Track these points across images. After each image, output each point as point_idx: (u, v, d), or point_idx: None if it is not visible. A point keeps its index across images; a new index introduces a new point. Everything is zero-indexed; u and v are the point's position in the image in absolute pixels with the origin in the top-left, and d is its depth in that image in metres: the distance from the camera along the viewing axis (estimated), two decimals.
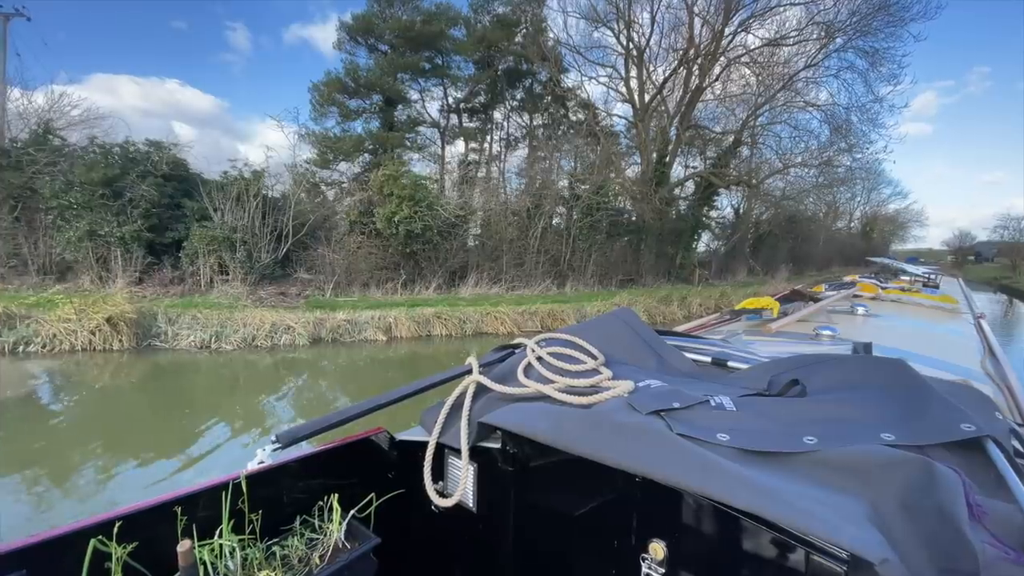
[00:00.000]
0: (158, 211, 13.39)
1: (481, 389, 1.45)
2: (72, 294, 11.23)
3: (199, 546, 1.05)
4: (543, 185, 18.25)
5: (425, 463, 1.35)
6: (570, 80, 22.83)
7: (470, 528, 1.43)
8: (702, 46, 19.88)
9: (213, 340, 9.99)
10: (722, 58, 20.30)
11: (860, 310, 3.78)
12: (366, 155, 19.18)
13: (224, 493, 1.13)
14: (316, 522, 1.30)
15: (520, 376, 1.43)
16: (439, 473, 1.44)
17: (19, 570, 0.92)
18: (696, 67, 20.16)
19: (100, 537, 0.97)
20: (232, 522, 1.13)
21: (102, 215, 12.65)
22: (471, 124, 24.01)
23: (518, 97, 24.26)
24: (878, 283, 5.96)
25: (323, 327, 10.84)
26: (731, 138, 22.59)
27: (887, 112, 21.46)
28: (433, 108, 22.93)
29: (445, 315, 11.87)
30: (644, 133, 20.39)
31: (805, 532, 0.77)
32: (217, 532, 1.11)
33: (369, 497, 1.35)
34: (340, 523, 1.26)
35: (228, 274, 13.48)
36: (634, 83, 21.09)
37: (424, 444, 1.39)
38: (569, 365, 1.46)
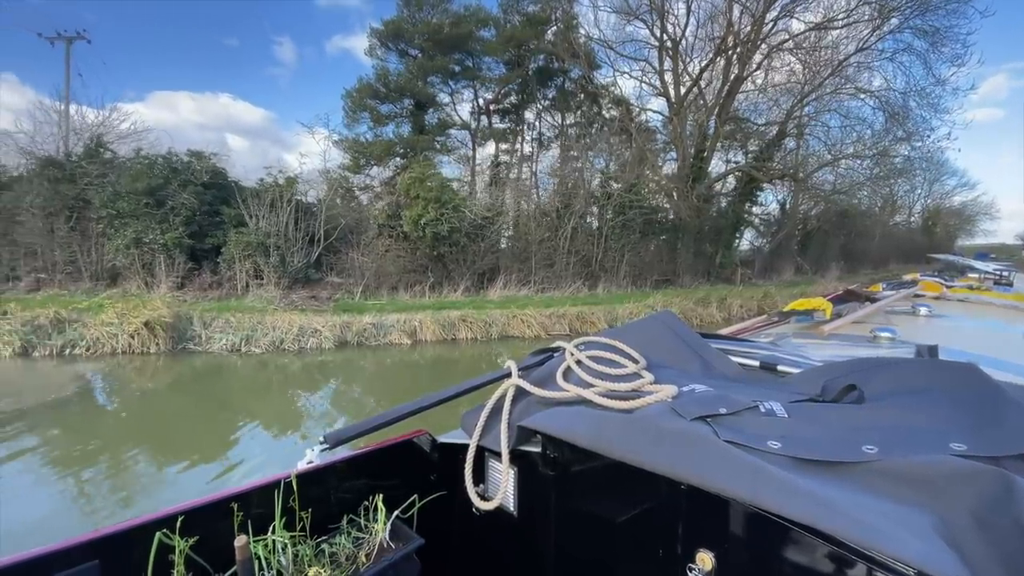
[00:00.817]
0: (198, 218, 13.95)
1: (520, 392, 1.45)
2: (119, 299, 11.82)
3: (253, 542, 1.09)
4: (574, 185, 17.88)
5: (466, 466, 1.36)
6: (602, 77, 22.34)
7: (511, 532, 1.44)
8: (741, 34, 18.94)
9: (243, 343, 10.23)
10: (763, 45, 19.27)
11: (923, 310, 3.52)
12: (397, 159, 19.38)
13: (276, 491, 1.18)
14: (362, 521, 1.34)
15: (559, 380, 1.42)
16: (480, 476, 1.46)
17: (91, 561, 0.99)
18: (735, 56, 19.23)
19: (164, 531, 1.03)
20: (284, 519, 1.18)
21: (147, 223, 13.29)
22: (502, 125, 23.88)
23: (549, 96, 23.91)
24: (942, 281, 5.52)
25: (349, 330, 10.92)
26: (775, 130, 21.40)
27: (950, 96, 19.64)
28: (464, 110, 22.97)
29: (471, 318, 11.73)
30: (680, 128, 19.62)
31: (867, 546, 0.72)
32: (270, 529, 1.17)
33: (412, 498, 1.38)
34: (385, 523, 1.30)
35: (263, 278, 13.88)
36: (669, 76, 20.35)
37: (465, 447, 1.41)
38: (609, 369, 1.43)
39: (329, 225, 15.02)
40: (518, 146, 24.16)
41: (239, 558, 1.05)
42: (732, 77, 19.46)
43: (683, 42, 19.77)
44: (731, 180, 22.99)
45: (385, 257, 14.11)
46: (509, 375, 1.53)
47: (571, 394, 1.33)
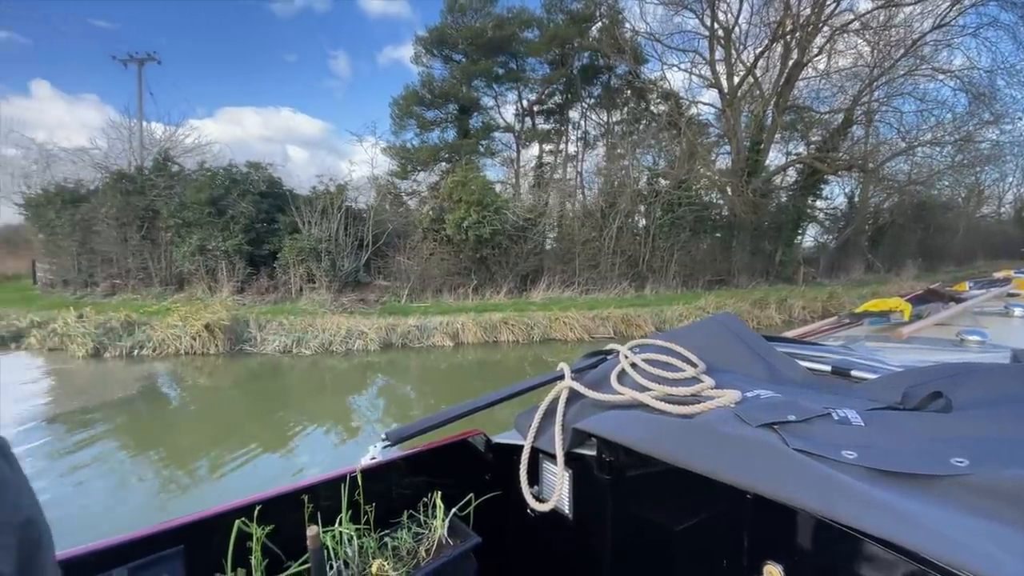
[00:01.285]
0: (256, 226, 14.69)
1: (574, 395, 1.44)
2: (184, 302, 12.61)
3: (322, 532, 1.14)
4: (620, 183, 17.41)
5: (521, 467, 1.35)
6: (649, 71, 21.66)
7: (566, 535, 1.45)
8: (800, 17, 17.77)
9: (295, 345, 10.60)
10: (825, 28, 17.98)
11: (1018, 311, 3.22)
12: (443, 163, 19.63)
13: (342, 485, 1.25)
14: (421, 517, 1.38)
15: (614, 383, 1.39)
16: (534, 477, 1.46)
17: (177, 545, 1.06)
18: (794, 41, 18.07)
19: (243, 519, 1.09)
20: (349, 512, 1.24)
21: (210, 231, 14.13)
22: (546, 126, 23.69)
23: (595, 94, 23.49)
24: None
25: (394, 333, 11.09)
26: (840, 117, 19.88)
27: None
28: (508, 113, 22.98)
29: (512, 320, 11.62)
30: (734, 120, 18.66)
31: (956, 566, 0.69)
32: (337, 521, 1.22)
33: (468, 497, 1.43)
34: (443, 520, 1.34)
35: (315, 282, 14.41)
36: (721, 67, 19.41)
37: (519, 448, 1.41)
38: (666, 373, 1.39)
39: (377, 230, 15.40)
40: (562, 146, 23.92)
41: (311, 547, 1.10)
42: (791, 64, 18.29)
43: (736, 29, 18.83)
44: (791, 173, 21.61)
45: (429, 260, 14.28)
46: (562, 377, 1.51)
47: (626, 397, 1.31)
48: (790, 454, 0.88)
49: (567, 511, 1.42)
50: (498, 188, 18.49)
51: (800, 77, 18.82)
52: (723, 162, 20.77)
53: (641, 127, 22.03)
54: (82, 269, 14.95)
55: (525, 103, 22.69)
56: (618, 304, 14.06)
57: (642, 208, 17.53)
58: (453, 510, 1.37)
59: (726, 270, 19.14)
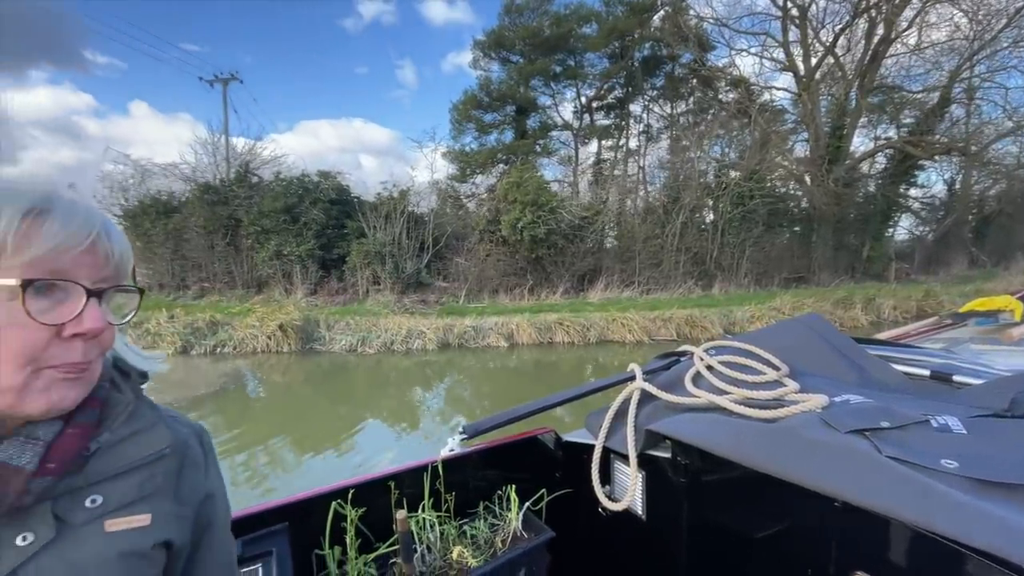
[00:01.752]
0: (327, 231, 15.53)
1: (646, 396, 1.44)
2: (263, 304, 13.54)
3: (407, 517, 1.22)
4: (685, 176, 16.65)
5: (592, 466, 1.37)
6: (716, 58, 20.57)
7: (639, 536, 1.45)
8: None
9: (359, 344, 11.06)
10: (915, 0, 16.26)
11: None
12: (500, 165, 19.74)
13: (425, 474, 1.33)
14: (496, 509, 1.45)
15: (688, 385, 1.39)
16: (606, 477, 1.46)
17: (282, 522, 1.17)
18: (879, 16, 16.46)
19: (338, 501, 1.21)
20: (431, 500, 1.33)
21: (285, 237, 15.09)
22: (605, 121, 23.16)
23: (657, 85, 22.64)
24: None
25: (451, 333, 11.27)
26: (936, 96, 17.84)
27: None
28: (566, 111, 22.71)
29: (568, 321, 11.44)
30: (812, 103, 17.30)
31: None
32: (420, 507, 1.32)
33: (540, 492, 1.48)
34: (518, 513, 1.40)
35: (380, 284, 14.99)
36: (795, 48, 18.06)
37: (590, 447, 1.42)
38: (745, 376, 1.36)
39: (437, 233, 15.77)
40: (623, 141, 23.30)
41: (400, 530, 1.16)
42: (876, 40, 16.67)
43: (812, 7, 17.43)
44: (880, 159, 19.67)
45: (486, 262, 14.40)
46: (633, 378, 1.51)
47: (702, 400, 1.28)
48: (882, 462, 0.85)
49: (640, 512, 1.42)
50: (555, 187, 18.35)
51: (887, 54, 17.11)
52: (801, 150, 19.31)
53: (709, 117, 20.96)
54: (175, 274, 16.47)
55: (583, 100, 22.33)
56: (682, 304, 13.45)
57: (709, 202, 16.67)
58: (527, 504, 1.43)
59: (805, 267, 17.80)
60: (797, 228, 17.94)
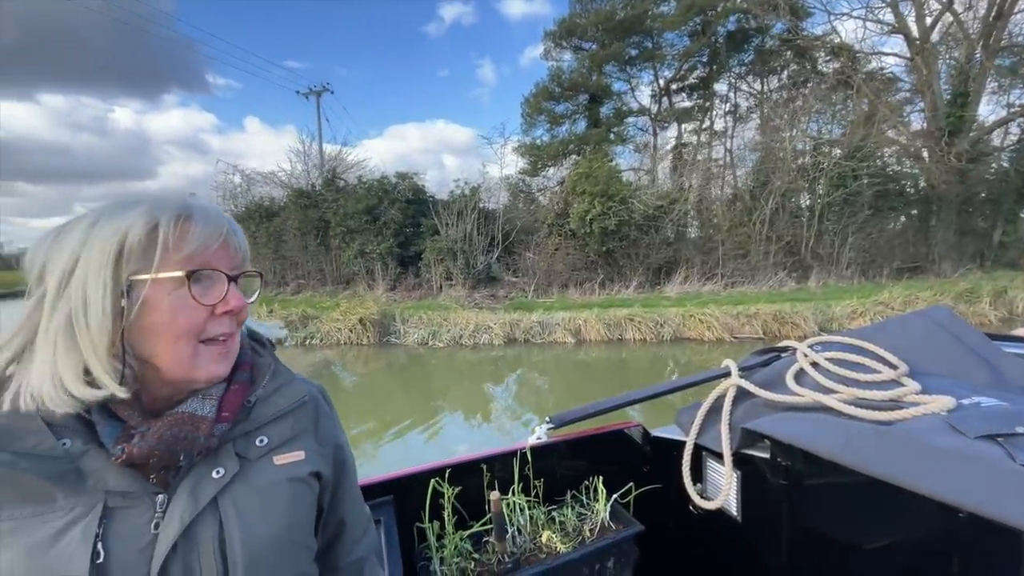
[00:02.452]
0: (405, 230, 16.23)
1: (742, 393, 1.40)
2: (348, 299, 14.48)
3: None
4: (774, 158, 15.24)
5: (683, 463, 1.36)
6: (814, 26, 18.53)
7: (734, 536, 1.42)
8: None
9: (430, 338, 11.44)
10: None
11: None
12: (572, 156, 19.35)
13: (514, 459, 1.38)
14: (584, 498, 1.48)
15: (790, 383, 1.32)
16: (697, 474, 1.44)
17: (387, 495, 1.27)
18: None
19: (437, 479, 1.28)
20: (520, 485, 1.38)
21: (367, 236, 16.00)
22: (687, 103, 21.83)
23: (746, 61, 20.90)
24: None
25: (517, 328, 11.28)
26: None
27: None
28: (644, 95, 21.72)
29: (639, 317, 10.96)
30: (927, 69, 15.04)
31: None
32: (509, 491, 1.37)
33: (628, 486, 1.48)
34: (606, 504, 1.41)
35: (452, 279, 15.41)
36: (907, 7, 15.73)
37: (679, 443, 1.42)
38: (856, 374, 1.27)
39: (507, 228, 15.86)
40: (707, 123, 21.82)
41: (494, 510, 1.24)
42: None
43: None
44: (1014, 130, 16.63)
45: (554, 256, 14.21)
46: (728, 375, 1.47)
47: (806, 399, 1.22)
48: (1017, 471, 0.79)
49: (735, 512, 1.38)
50: (630, 176, 17.65)
51: (1016, 9, 14.37)
52: (917, 123, 16.89)
53: (806, 91, 18.97)
54: (276, 272, 18.11)
55: (661, 82, 21.20)
56: (770, 299, 12.37)
57: (805, 185, 15.12)
58: (614, 496, 1.44)
59: (922, 255, 15.62)
60: (914, 211, 15.76)
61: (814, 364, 1.36)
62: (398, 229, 16.13)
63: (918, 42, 15.33)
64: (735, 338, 10.64)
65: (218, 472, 0.62)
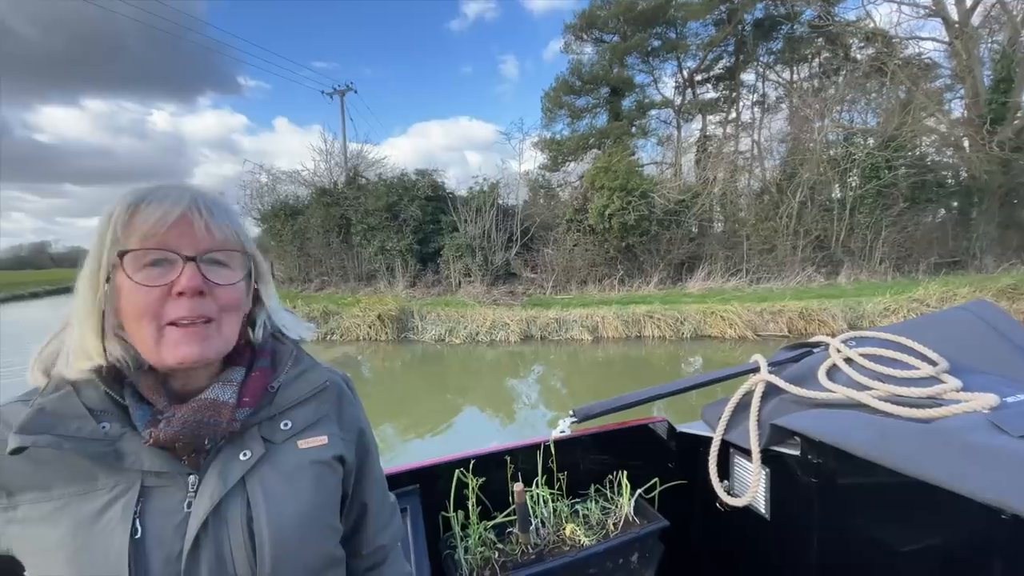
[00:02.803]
0: (424, 227, 16.30)
1: (771, 389, 1.36)
2: (370, 296, 14.64)
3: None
4: (802, 148, 14.69)
5: (710, 459, 1.34)
6: (846, 11, 17.78)
7: (762, 535, 1.40)
8: None
9: (447, 334, 11.46)
10: None
11: None
12: (593, 151, 19.08)
13: (538, 452, 1.41)
14: (608, 492, 1.48)
15: (822, 379, 1.29)
16: (724, 471, 1.42)
17: (414, 484, 1.30)
18: None
19: (461, 469, 1.31)
20: (544, 477, 1.40)
21: (387, 233, 16.14)
22: (713, 94, 21.26)
23: (775, 50, 20.23)
24: None
25: (534, 325, 11.19)
26: None
27: None
28: (667, 87, 21.25)
29: (658, 314, 10.73)
30: (967, 53, 14.24)
31: None
32: (533, 483, 1.39)
33: (653, 481, 1.49)
34: (630, 499, 1.42)
35: (471, 276, 15.41)
36: None
37: (706, 439, 1.40)
38: (892, 370, 1.23)
39: (526, 224, 15.77)
40: (733, 115, 21.20)
41: (517, 501, 1.25)
42: None
43: None
44: None
45: (573, 252, 14.04)
46: (756, 370, 1.44)
47: (839, 396, 1.19)
48: None
49: (763, 510, 1.36)
50: (651, 170, 17.31)
51: None
52: (958, 111, 16.03)
53: (840, 79, 18.21)
54: (300, 268, 18.45)
55: (685, 73, 20.71)
56: (798, 296, 11.95)
57: (836, 177, 14.54)
58: (639, 491, 1.45)
59: (963, 249, 14.85)
60: (953, 203, 14.99)
61: (848, 360, 1.31)
62: (417, 226, 16.21)
63: (957, 25, 14.51)
64: (758, 336, 10.31)
65: (245, 455, 0.65)
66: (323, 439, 0.72)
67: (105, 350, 0.61)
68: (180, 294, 0.61)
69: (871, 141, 14.08)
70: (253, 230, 20.61)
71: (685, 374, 8.81)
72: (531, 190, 18.31)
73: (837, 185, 14.14)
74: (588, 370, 9.52)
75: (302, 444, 0.70)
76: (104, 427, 0.60)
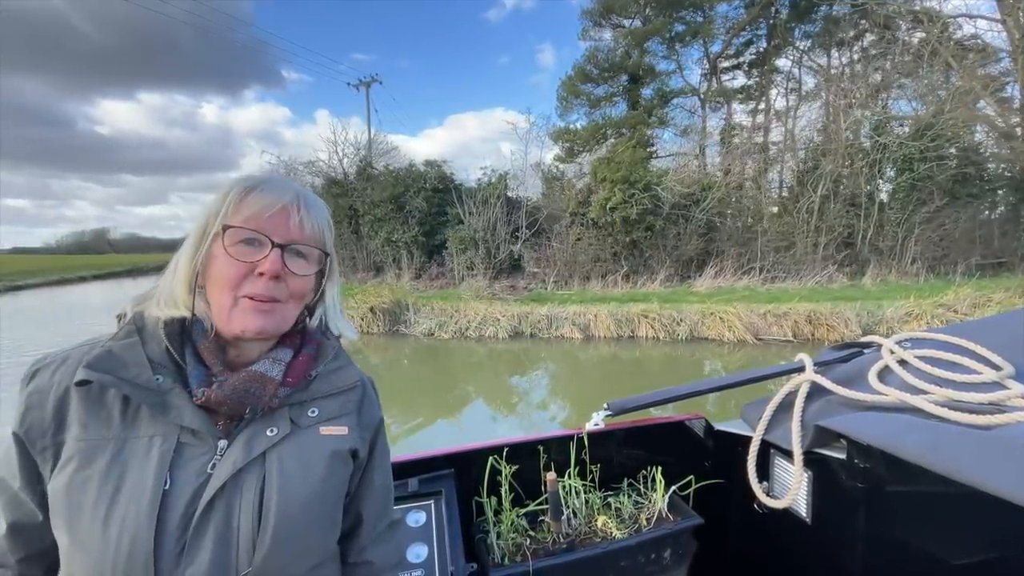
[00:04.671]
0: (429, 219, 16.18)
1: (816, 390, 1.32)
2: (377, 287, 14.66)
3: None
4: (837, 138, 13.60)
5: (749, 459, 1.32)
6: None
7: (802, 539, 1.36)
8: None
9: (437, 329, 11.30)
10: None
11: None
12: (611, 140, 18.37)
13: (571, 443, 1.41)
14: (641, 487, 1.48)
15: (872, 381, 1.24)
16: (763, 472, 1.39)
17: (449, 468, 1.33)
18: None
19: (495, 456, 1.34)
20: (577, 468, 1.41)
21: (393, 225, 16.10)
22: (743, 81, 20.09)
23: (812, 33, 18.85)
24: None
25: (525, 321, 10.87)
26: None
27: None
28: (693, 75, 20.24)
29: (653, 314, 10.18)
30: (1019, 31, 12.79)
31: None
32: (566, 474, 1.40)
33: (688, 478, 1.47)
34: (664, 495, 1.41)
35: (474, 269, 15.18)
36: None
37: (746, 438, 1.38)
38: (950, 374, 1.17)
39: (534, 217, 15.39)
40: (763, 104, 19.95)
41: (550, 490, 1.27)
42: None
43: None
44: None
45: (576, 246, 13.57)
46: (802, 369, 1.41)
47: (891, 399, 1.15)
48: None
49: (804, 514, 1.31)
50: (667, 162, 16.52)
51: None
52: (1013, 96, 14.50)
53: (887, 64, 16.75)
54: None
55: (712, 59, 19.61)
56: (814, 297, 11.13)
57: (864, 168, 13.43)
58: (673, 488, 1.44)
59: (1010, 250, 13.52)
60: (1010, 198, 13.59)
61: (902, 362, 1.26)
62: (423, 218, 16.11)
63: (1011, 1, 13.05)
64: (759, 340, 9.62)
65: (272, 431, 0.69)
66: (343, 430, 0.76)
67: (192, 304, 0.68)
68: (261, 274, 0.68)
69: (905, 130, 12.92)
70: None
71: (661, 380, 8.30)
72: (546, 182, 17.83)
73: (863, 179, 13.04)
74: (569, 372, 9.12)
75: (324, 431, 0.73)
76: (158, 379, 0.65)
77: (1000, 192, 13.82)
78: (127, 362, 0.64)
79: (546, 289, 13.51)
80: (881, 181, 13.00)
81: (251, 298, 0.67)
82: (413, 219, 15.93)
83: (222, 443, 0.65)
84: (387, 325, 11.89)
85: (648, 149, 17.37)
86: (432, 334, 11.30)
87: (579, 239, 13.57)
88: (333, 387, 0.77)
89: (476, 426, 6.64)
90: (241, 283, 0.67)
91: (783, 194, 14.08)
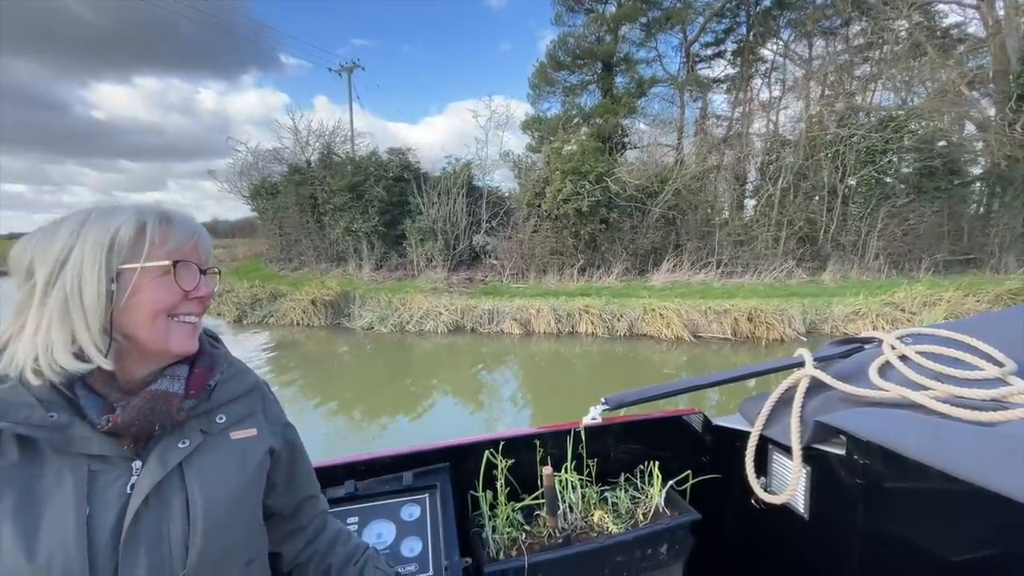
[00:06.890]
0: (390, 209, 15.82)
1: (816, 385, 1.31)
2: (338, 277, 14.41)
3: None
4: (809, 132, 13.16)
5: (747, 454, 1.31)
6: None
7: (799, 535, 1.37)
8: None
9: (377, 323, 11.07)
10: None
11: None
12: (583, 130, 17.89)
13: (568, 438, 1.40)
14: (638, 482, 1.47)
15: (873, 376, 1.21)
16: (761, 467, 1.39)
17: (444, 462, 1.33)
18: None
19: (491, 450, 1.32)
20: (574, 463, 1.39)
21: (353, 215, 15.76)
22: (730, 70, 19.53)
23: (799, 21, 18.27)
24: None
25: (467, 316, 10.62)
26: None
27: None
28: (672, 63, 19.65)
29: (594, 309, 9.91)
30: (992, 18, 12.28)
31: None
32: (563, 468, 1.38)
33: (686, 474, 1.47)
34: (660, 490, 1.40)
35: (433, 261, 14.89)
36: None
37: (743, 434, 1.38)
38: (952, 370, 1.12)
39: (498, 208, 15.05)
40: (746, 93, 19.42)
41: (546, 484, 1.27)
42: None
43: None
44: None
45: (532, 239, 13.26)
46: (801, 364, 1.40)
47: (891, 395, 1.12)
48: None
49: (801, 510, 1.32)
50: (639, 154, 16.10)
51: None
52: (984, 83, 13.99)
53: (878, 54, 16.21)
54: (282, 248, 18.42)
55: (691, 47, 19.06)
56: (767, 293, 10.86)
57: (826, 160, 13.01)
58: (670, 483, 1.43)
59: (978, 246, 13.17)
60: (973, 194, 13.23)
61: (903, 357, 1.25)
62: (384, 207, 15.74)
63: None
64: (696, 338, 9.35)
65: (183, 443, 0.71)
66: (253, 431, 0.79)
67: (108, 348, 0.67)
68: (197, 298, 0.73)
69: (872, 120, 12.51)
70: (243, 208, 20.56)
71: (585, 382, 8.07)
72: (518, 172, 17.35)
73: (826, 172, 12.65)
74: (482, 371, 8.87)
75: (234, 435, 0.77)
76: (52, 416, 0.64)
77: (975, 187, 13.44)
78: (14, 405, 0.63)
79: (502, 282, 13.23)
80: (842, 174, 12.59)
81: (182, 321, 0.71)
82: (373, 208, 15.59)
83: (136, 463, 0.67)
84: (329, 318, 11.67)
85: (624, 139, 16.98)
86: (372, 328, 11.07)
87: (535, 231, 13.26)
88: (233, 392, 0.80)
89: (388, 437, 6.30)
90: (175, 308, 0.71)
91: (744, 186, 13.67)
